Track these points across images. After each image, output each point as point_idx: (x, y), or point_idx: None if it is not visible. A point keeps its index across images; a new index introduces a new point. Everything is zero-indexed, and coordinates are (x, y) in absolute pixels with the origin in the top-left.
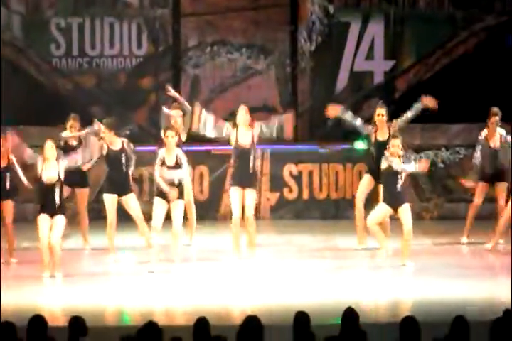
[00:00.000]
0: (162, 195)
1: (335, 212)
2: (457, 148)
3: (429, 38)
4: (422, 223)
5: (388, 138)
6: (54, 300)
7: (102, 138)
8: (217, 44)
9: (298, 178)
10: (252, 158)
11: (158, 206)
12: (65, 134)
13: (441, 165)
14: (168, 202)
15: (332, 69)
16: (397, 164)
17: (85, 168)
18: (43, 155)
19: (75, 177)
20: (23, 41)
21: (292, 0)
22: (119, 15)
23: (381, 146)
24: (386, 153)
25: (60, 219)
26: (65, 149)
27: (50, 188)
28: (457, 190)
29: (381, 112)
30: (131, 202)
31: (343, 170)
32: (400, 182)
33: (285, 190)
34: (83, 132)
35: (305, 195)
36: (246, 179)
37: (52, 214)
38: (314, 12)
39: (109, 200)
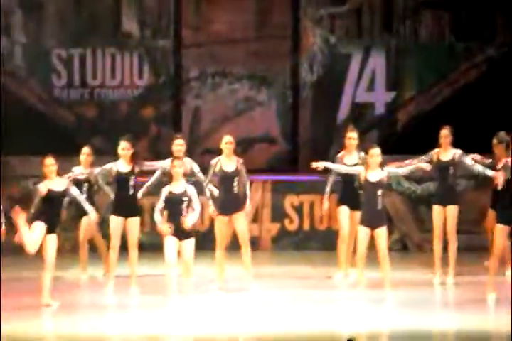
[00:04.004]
0: (175, 233)
1: (336, 243)
2: (458, 180)
3: (430, 69)
4: (422, 255)
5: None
6: (52, 330)
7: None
8: (219, 75)
9: (299, 209)
10: (235, 183)
11: (170, 244)
12: (77, 170)
13: None
14: (179, 239)
15: (333, 101)
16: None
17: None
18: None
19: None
20: (25, 71)
21: (294, 31)
22: (121, 46)
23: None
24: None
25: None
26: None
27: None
28: (458, 221)
29: (353, 136)
30: (134, 226)
31: None
32: (381, 199)
33: (286, 221)
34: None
35: (306, 226)
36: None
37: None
38: (316, 43)
39: (115, 223)
